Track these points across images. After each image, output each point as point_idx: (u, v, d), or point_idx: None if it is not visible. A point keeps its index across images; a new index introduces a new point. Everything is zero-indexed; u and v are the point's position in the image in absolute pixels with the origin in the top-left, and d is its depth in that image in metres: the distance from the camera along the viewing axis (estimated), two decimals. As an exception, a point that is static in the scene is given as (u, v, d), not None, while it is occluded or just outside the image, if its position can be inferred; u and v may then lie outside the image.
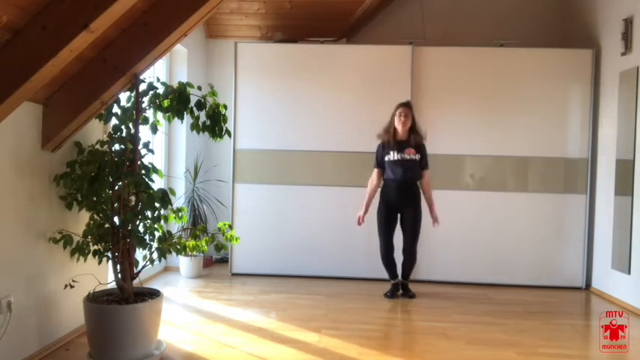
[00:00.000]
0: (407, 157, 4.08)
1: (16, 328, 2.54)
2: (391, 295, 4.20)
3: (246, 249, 4.69)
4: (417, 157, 4.10)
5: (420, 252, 4.23)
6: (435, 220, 4.21)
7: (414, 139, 4.11)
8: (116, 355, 2.64)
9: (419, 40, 5.03)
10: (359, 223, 4.23)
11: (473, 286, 4.61)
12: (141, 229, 2.81)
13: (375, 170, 4.24)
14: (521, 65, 4.71)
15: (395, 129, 4.13)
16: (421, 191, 4.20)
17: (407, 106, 4.14)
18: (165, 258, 2.96)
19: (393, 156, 4.11)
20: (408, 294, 4.21)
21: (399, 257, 4.22)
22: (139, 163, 2.84)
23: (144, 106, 2.91)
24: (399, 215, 4.20)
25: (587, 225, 4.65)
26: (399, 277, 4.23)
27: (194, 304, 3.90)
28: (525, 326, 3.53)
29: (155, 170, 2.94)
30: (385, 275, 4.28)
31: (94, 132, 3.14)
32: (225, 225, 3.10)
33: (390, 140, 4.12)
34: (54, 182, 2.80)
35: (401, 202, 4.14)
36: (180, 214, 3.02)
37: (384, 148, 4.18)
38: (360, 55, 4.83)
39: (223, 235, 3.07)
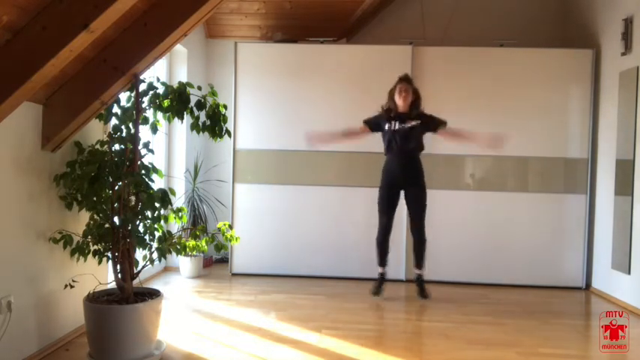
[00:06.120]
0: (407, 126, 4.03)
1: (16, 328, 2.54)
2: (377, 290, 4.11)
3: (246, 249, 4.69)
4: (418, 122, 4.03)
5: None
6: (487, 142, 4.24)
7: (415, 111, 4.06)
8: (116, 355, 2.64)
9: (419, 40, 5.03)
10: (309, 139, 4.34)
11: (473, 286, 4.62)
12: (141, 229, 2.81)
13: (362, 124, 4.18)
14: (521, 65, 4.71)
15: (396, 103, 4.08)
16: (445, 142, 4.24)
17: (406, 81, 4.11)
18: (165, 258, 2.96)
19: (393, 125, 4.05)
20: (423, 293, 4.09)
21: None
22: (139, 163, 2.84)
23: (144, 106, 2.92)
24: (401, 194, 4.12)
25: (587, 225, 4.65)
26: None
27: (194, 304, 3.90)
28: (525, 326, 3.53)
29: (155, 170, 2.94)
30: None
31: (94, 132, 3.14)
32: (225, 225, 3.10)
33: (392, 108, 4.08)
34: (54, 182, 2.80)
35: (402, 178, 4.05)
36: (180, 214, 3.02)
37: (385, 118, 4.10)
38: (360, 55, 4.83)
39: (223, 235, 3.07)
